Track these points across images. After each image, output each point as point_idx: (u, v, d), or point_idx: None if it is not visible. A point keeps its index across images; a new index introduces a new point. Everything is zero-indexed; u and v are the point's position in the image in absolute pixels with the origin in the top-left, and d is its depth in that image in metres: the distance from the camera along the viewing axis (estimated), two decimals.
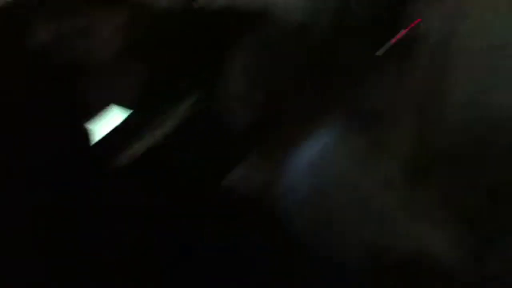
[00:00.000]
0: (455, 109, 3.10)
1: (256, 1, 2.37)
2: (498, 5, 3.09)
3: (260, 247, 0.76)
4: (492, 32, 3.13)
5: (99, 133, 1.24)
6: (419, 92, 2.83)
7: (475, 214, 1.58)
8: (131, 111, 1.42)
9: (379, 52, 2.39)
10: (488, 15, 3.08)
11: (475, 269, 1.08)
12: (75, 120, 0.63)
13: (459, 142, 3.23)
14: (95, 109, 1.36)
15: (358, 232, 0.98)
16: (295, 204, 0.98)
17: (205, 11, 2.23)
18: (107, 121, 1.35)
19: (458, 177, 2.98)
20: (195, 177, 1.25)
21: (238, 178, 1.29)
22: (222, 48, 1.15)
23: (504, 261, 1.12)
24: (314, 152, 0.98)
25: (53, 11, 1.53)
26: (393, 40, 2.57)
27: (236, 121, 1.16)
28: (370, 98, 2.72)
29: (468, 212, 1.38)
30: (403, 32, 2.56)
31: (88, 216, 0.61)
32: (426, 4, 2.74)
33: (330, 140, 1.04)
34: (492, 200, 2.55)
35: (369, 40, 2.49)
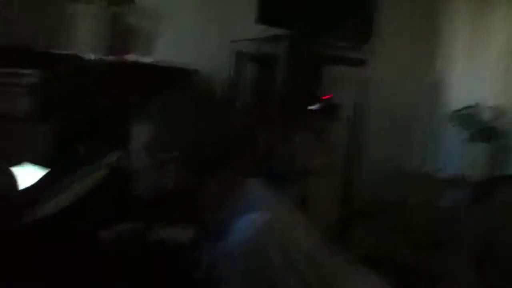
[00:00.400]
0: (373, 169, 3.26)
1: (181, 60, 2.41)
2: (405, 77, 3.39)
3: None
4: (396, 103, 3.41)
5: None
6: (338, 155, 2.96)
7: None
8: (44, 170, 1.33)
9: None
10: (393, 89, 3.37)
11: None
12: None
13: (377, 199, 3.35)
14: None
15: None
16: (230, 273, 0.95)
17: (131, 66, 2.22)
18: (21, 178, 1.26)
19: (379, 231, 3.06)
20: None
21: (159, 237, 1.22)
22: (139, 108, 1.11)
23: None
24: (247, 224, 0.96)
25: None
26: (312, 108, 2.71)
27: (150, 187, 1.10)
28: (295, 157, 2.79)
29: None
30: (317, 104, 2.74)
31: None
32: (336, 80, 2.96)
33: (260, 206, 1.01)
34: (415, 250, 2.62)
35: (287, 104, 2.60)
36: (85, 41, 2.24)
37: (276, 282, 0.93)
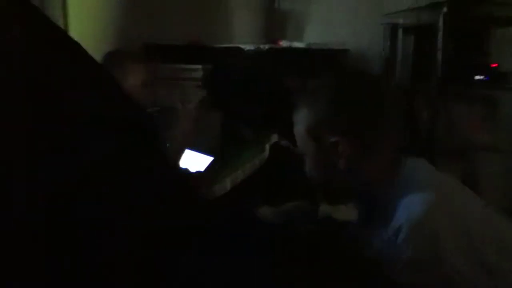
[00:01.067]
0: None
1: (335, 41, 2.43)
2: None
3: None
4: None
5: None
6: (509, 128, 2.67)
7: None
8: (212, 157, 1.47)
9: None
10: None
11: None
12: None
13: None
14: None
15: None
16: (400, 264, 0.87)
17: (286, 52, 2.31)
18: (191, 165, 1.41)
19: None
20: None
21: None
22: (298, 91, 1.15)
23: None
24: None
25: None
26: None
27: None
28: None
29: None
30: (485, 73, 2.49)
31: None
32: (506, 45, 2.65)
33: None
34: None
35: None
36: (244, 32, 2.40)
37: (450, 271, 0.85)
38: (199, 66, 1.98)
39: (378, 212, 0.99)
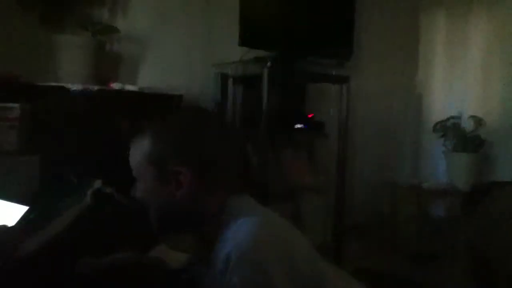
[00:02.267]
0: (363, 182, 3.29)
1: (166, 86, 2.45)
2: (388, 91, 3.45)
3: None
4: (381, 117, 3.46)
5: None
6: (327, 170, 2.99)
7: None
8: (28, 206, 1.34)
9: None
10: (377, 103, 3.42)
11: None
12: None
13: (369, 214, 3.37)
14: None
15: None
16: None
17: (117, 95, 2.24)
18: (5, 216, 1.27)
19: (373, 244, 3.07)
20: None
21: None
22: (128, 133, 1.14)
23: None
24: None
25: None
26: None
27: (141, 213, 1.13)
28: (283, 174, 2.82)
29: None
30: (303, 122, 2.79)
31: None
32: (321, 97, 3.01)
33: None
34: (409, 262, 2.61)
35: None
36: (71, 72, 2.28)
37: None
38: (16, 105, 1.81)
39: (207, 245, 1.01)
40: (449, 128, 3.29)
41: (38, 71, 2.24)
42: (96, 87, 2.20)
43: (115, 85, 2.36)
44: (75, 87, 2.11)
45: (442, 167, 3.40)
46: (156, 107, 2.31)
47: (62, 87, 2.06)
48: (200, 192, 1.01)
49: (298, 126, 2.79)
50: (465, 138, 3.22)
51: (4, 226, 1.17)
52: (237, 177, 1.09)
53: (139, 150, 1.04)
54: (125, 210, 1.30)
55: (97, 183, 1.34)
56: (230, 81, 2.74)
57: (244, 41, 2.62)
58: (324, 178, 2.97)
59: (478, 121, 3.24)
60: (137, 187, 1.07)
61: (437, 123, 3.36)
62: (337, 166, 2.85)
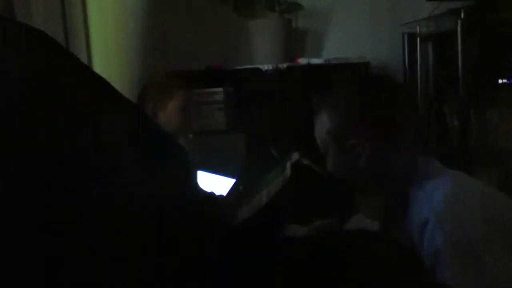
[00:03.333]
0: None
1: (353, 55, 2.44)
2: None
3: None
4: None
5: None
6: None
7: None
8: (235, 179, 1.50)
9: None
10: None
11: None
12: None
13: None
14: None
15: None
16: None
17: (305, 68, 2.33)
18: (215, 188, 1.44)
19: None
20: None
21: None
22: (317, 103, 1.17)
23: None
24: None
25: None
26: None
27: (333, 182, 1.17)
28: None
29: None
30: None
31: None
32: None
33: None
34: None
35: None
36: (263, 53, 2.44)
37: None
38: (220, 89, 2.03)
39: (399, 206, 1.03)
40: None
41: (236, 56, 2.46)
42: (285, 65, 2.31)
43: (302, 60, 2.44)
44: (267, 66, 2.26)
45: None
46: (342, 76, 2.32)
47: (257, 68, 2.23)
48: (384, 159, 1.02)
49: (503, 81, 2.49)
50: None
51: (223, 196, 1.33)
52: (420, 140, 1.06)
53: (320, 125, 1.08)
54: (322, 180, 1.35)
55: (295, 156, 1.42)
56: (418, 41, 2.59)
57: None
58: None
59: None
60: (326, 159, 1.11)
61: None
62: None
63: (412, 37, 2.61)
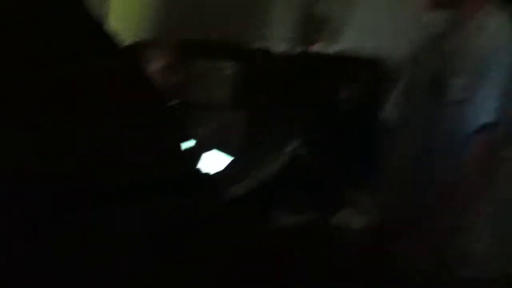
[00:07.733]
0: None
1: (367, 49, 2.39)
2: None
3: None
4: None
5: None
6: None
7: None
8: (234, 156, 1.50)
9: None
10: None
11: None
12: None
13: None
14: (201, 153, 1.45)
15: None
16: None
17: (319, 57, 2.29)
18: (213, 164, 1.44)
19: None
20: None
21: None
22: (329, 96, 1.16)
23: None
24: None
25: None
26: None
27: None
28: None
29: None
30: None
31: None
32: None
33: None
34: None
35: None
36: (277, 33, 2.39)
37: None
38: (226, 65, 2.01)
39: None
40: None
41: (247, 34, 2.42)
42: (299, 49, 2.27)
43: (316, 47, 2.40)
44: (278, 48, 2.22)
45: None
46: (355, 71, 2.28)
47: (266, 49, 2.20)
48: None
49: None
50: None
51: (219, 171, 1.33)
52: None
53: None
54: (315, 172, 1.36)
55: (295, 143, 1.42)
56: None
57: None
58: None
59: None
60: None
61: None
62: None
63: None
